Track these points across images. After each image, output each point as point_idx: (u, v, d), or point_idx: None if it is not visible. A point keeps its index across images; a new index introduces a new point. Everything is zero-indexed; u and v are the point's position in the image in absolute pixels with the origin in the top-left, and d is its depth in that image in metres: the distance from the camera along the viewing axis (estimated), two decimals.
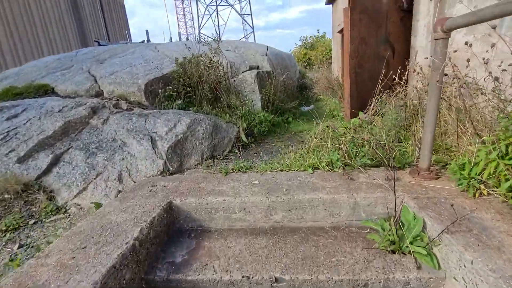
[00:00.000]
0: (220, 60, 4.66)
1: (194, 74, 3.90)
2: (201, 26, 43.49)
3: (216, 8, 44.49)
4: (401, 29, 3.39)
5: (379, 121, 2.74)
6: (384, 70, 3.28)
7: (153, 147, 2.67)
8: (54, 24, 12.42)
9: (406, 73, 3.20)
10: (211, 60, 4.43)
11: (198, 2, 43.79)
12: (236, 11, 44.79)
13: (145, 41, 17.43)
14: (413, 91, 2.94)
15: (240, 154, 3.08)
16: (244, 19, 45.90)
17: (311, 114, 5.69)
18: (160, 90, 3.52)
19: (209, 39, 5.45)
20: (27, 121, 2.84)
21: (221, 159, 2.93)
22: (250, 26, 45.84)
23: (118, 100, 3.42)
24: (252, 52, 6.08)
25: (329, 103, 5.87)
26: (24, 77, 4.30)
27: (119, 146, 2.71)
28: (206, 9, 45.12)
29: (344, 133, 2.93)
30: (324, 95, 6.50)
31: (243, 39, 46.39)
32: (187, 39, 21.37)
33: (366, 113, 3.06)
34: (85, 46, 14.64)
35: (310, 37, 15.74)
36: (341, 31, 7.26)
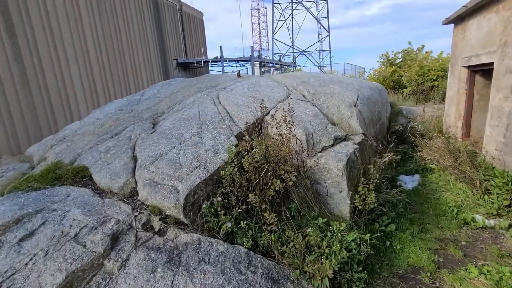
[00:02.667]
0: (293, 128, 3.39)
1: (256, 172, 2.72)
2: (275, 32, 43.01)
3: (292, 13, 43.32)
4: None
5: None
6: None
7: None
8: (138, 43, 13.27)
9: None
10: (281, 136, 3.21)
11: (274, 8, 43.43)
12: (313, 14, 42.69)
13: (218, 57, 17.53)
14: None
15: None
16: (320, 23, 43.42)
17: (419, 204, 3.87)
18: (204, 205, 2.45)
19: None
20: (30, 260, 2.14)
21: None
22: (325, 29, 43.08)
23: (150, 214, 2.51)
24: (336, 103, 4.59)
25: (451, 187, 3.91)
26: (76, 145, 3.91)
27: None
28: (281, 14, 44.45)
29: None
30: (437, 165, 4.51)
31: (317, 44, 43.97)
32: (259, 51, 20.81)
33: None
34: (165, 64, 15.41)
35: (404, 50, 12.90)
36: (470, 68, 5.04)
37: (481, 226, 3.19)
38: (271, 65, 26.14)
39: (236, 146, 3.24)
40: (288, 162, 2.98)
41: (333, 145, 3.56)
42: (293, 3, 42.85)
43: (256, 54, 21.44)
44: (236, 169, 2.66)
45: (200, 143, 3.32)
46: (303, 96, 4.92)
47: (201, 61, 16.22)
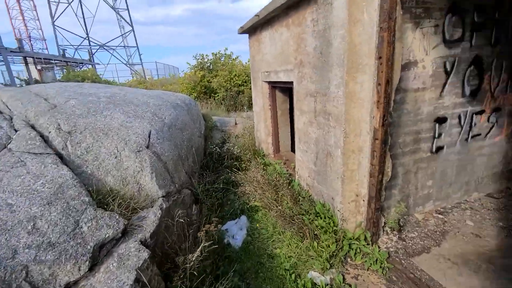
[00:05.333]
0: None
1: None
2: (55, 17, 32.60)
3: None
4: None
5: None
6: None
7: None
8: None
9: None
10: None
11: None
12: (108, 3, 36.26)
13: None
14: None
15: None
16: (119, 14, 37.80)
17: (254, 274, 2.90)
18: None
19: None
20: None
21: None
22: (128, 23, 38.18)
23: None
24: (113, 147, 2.70)
25: (281, 237, 3.22)
26: None
27: None
28: None
29: None
30: (261, 203, 3.82)
31: (121, 38, 38.37)
32: (29, 41, 14.00)
33: None
34: None
35: (214, 53, 12.82)
36: (271, 84, 4.78)
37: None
38: (52, 62, 19.24)
39: None
40: None
41: (91, 270, 1.68)
42: None
43: (15, 45, 14.67)
44: None
45: None
46: (45, 140, 2.59)
47: None
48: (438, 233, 3.09)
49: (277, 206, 3.42)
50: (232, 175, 4.37)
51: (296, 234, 3.05)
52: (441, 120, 3.14)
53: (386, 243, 2.98)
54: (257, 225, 3.47)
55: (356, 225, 3.03)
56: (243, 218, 3.79)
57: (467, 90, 3.17)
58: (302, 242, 2.97)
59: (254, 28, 4.86)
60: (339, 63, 2.64)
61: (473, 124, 3.34)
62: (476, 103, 3.28)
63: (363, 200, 2.94)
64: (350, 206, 2.98)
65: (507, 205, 3.52)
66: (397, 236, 3.04)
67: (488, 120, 3.43)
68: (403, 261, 2.73)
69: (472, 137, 3.40)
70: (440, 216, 3.39)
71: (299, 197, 3.58)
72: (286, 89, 4.79)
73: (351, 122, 2.69)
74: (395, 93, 2.71)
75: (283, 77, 3.98)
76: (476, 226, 3.15)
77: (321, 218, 3.10)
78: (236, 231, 3.60)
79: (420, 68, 2.84)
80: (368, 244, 2.90)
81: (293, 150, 5.08)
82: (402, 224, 3.22)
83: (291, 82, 3.75)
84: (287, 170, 4.35)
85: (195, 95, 11.85)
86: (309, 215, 3.19)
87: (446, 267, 2.61)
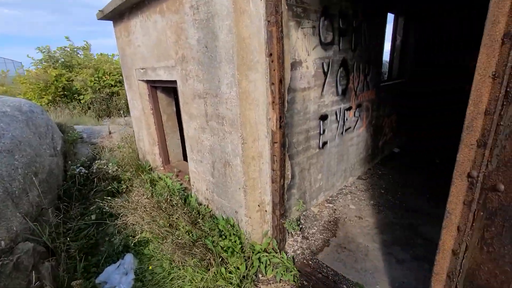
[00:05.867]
0: None
1: None
2: None
3: None
4: None
5: None
6: None
7: None
8: None
9: None
10: None
11: None
12: None
13: None
14: None
15: None
16: None
17: None
18: None
19: None
20: None
21: None
22: None
23: None
24: None
25: (181, 272, 2.61)
26: None
27: None
28: None
29: None
30: (152, 232, 3.04)
31: None
32: None
33: None
34: None
35: (60, 48, 10.05)
36: (150, 83, 3.96)
37: None
38: None
39: None
40: None
41: None
42: None
43: None
44: None
45: None
46: None
47: None
48: (332, 223, 3.30)
49: (172, 234, 2.78)
50: (107, 203, 3.33)
51: (199, 264, 2.53)
52: (323, 117, 3.35)
53: (293, 246, 2.92)
54: (148, 263, 2.72)
55: (262, 235, 2.81)
56: (128, 257, 2.92)
57: (340, 89, 3.53)
58: (207, 273, 2.48)
59: (120, 14, 3.88)
60: (228, 59, 2.28)
61: (345, 119, 3.78)
62: (346, 100, 3.71)
63: (267, 209, 2.75)
64: (256, 216, 2.73)
65: (372, 184, 4.24)
66: (301, 235, 3.04)
67: (354, 115, 3.98)
68: (310, 262, 2.71)
69: (346, 130, 3.86)
70: (330, 205, 3.68)
71: (199, 215, 3.06)
72: (170, 89, 4.11)
73: (247, 126, 2.40)
74: (287, 92, 2.62)
75: (164, 76, 3.30)
76: (357, 209, 3.58)
77: (226, 237, 2.71)
78: (119, 279, 2.70)
79: (305, 68, 2.88)
80: (276, 253, 2.74)
81: (185, 158, 4.48)
82: (303, 222, 3.27)
83: (175, 81, 3.15)
84: (181, 184, 3.72)
85: (49, 98, 9.07)
86: (212, 237, 2.73)
87: (344, 256, 2.76)
